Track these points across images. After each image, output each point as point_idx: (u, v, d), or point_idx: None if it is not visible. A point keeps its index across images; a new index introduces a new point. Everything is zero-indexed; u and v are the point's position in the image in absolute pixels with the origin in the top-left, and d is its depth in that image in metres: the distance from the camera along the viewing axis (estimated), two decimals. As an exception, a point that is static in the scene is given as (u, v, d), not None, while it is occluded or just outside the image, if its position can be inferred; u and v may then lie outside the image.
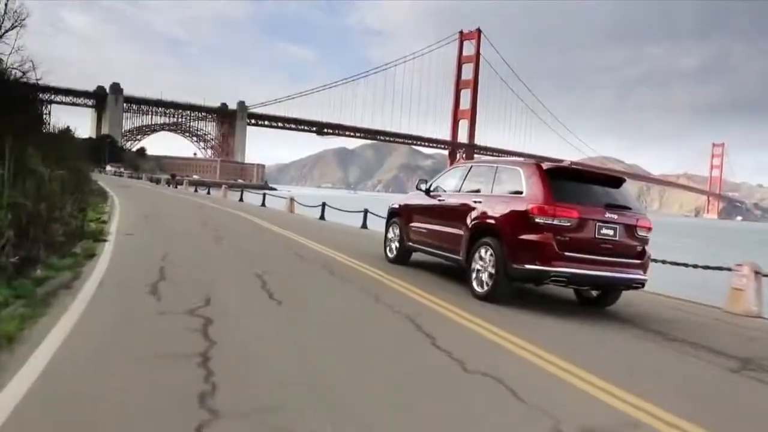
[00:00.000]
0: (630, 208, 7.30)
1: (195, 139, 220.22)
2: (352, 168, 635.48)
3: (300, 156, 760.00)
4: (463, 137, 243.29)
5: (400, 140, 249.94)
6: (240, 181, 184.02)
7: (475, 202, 7.92)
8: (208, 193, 41.65)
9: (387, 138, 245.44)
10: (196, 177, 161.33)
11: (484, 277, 7.34)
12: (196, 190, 46.25)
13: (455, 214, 8.27)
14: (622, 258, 7.10)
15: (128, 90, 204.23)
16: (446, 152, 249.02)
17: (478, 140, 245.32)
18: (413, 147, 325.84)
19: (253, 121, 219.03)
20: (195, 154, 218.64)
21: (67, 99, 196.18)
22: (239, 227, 16.33)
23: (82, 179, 22.00)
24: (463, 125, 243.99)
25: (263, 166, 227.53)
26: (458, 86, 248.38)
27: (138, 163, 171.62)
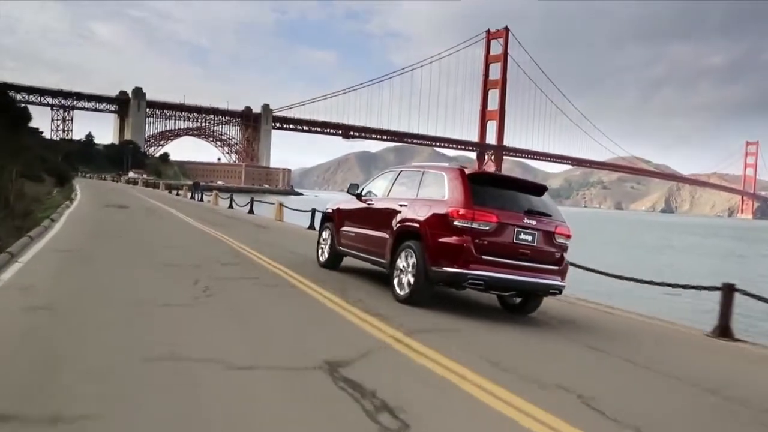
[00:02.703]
0: (550, 216, 7.37)
1: (219, 143, 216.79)
2: (374, 171, 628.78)
3: (322, 160, 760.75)
4: (490, 139, 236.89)
5: (428, 142, 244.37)
6: (266, 186, 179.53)
7: (400, 205, 7.99)
8: (251, 211, 28.37)
9: (414, 140, 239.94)
10: (220, 183, 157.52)
11: (405, 280, 7.41)
12: (231, 206, 31.89)
13: (382, 217, 8.34)
14: (540, 264, 7.18)
15: (151, 96, 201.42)
16: (470, 154, 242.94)
17: (507, 142, 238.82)
18: (436, 149, 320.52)
19: (278, 125, 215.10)
20: (219, 159, 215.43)
21: (90, 105, 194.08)
22: None
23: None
24: (491, 127, 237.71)
25: (289, 171, 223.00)
26: (486, 86, 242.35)
27: (161, 169, 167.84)
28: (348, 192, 9.82)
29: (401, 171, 8.96)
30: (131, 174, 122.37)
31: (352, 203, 9.61)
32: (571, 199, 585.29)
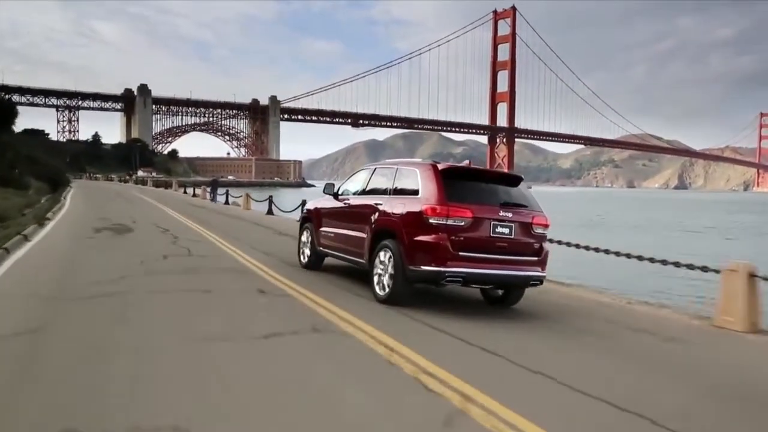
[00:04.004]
0: (526, 206, 7.31)
1: (227, 138, 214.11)
2: (383, 159, 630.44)
3: (330, 150, 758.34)
4: (501, 121, 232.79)
5: (438, 128, 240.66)
6: (277, 179, 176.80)
7: (376, 204, 7.91)
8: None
9: (424, 126, 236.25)
10: (231, 177, 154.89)
11: (385, 279, 7.33)
12: (270, 210, 26.01)
13: (359, 216, 8.29)
14: (519, 256, 7.17)
15: (158, 93, 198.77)
16: (480, 138, 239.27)
17: (518, 123, 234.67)
18: (443, 135, 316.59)
19: (286, 116, 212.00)
20: (228, 153, 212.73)
21: (95, 104, 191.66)
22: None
23: None
24: (501, 110, 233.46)
25: (300, 163, 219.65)
26: (494, 68, 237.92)
27: (170, 166, 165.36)
28: (324, 192, 9.71)
29: (376, 168, 8.84)
30: (140, 173, 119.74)
31: (330, 203, 9.49)
32: (583, 180, 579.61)
